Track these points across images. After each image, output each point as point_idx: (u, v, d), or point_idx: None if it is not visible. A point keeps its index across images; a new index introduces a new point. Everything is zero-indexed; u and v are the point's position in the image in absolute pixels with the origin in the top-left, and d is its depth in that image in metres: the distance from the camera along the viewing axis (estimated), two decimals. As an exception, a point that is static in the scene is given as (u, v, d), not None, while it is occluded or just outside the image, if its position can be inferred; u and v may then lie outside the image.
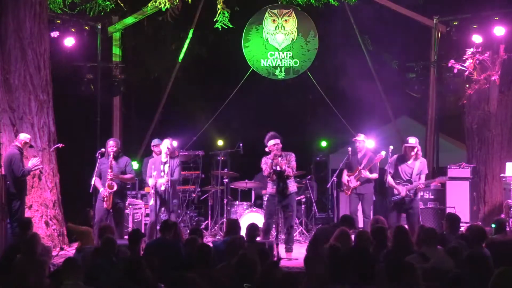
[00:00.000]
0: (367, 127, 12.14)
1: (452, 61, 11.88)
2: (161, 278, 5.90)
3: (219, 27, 12.38)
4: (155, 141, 11.25)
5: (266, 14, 13.17)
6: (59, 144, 10.67)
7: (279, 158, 9.82)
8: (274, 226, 10.23)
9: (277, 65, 13.19)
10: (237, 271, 5.64)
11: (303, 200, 12.27)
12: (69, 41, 11.86)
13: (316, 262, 6.14)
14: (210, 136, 14.18)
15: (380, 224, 7.82)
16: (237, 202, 12.23)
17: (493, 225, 7.87)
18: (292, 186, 10.04)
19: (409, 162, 9.92)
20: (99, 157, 10.16)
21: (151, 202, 10.09)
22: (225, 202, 11.75)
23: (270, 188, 10.07)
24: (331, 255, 6.04)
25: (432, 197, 11.61)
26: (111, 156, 10.01)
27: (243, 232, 8.20)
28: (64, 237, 10.81)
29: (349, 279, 5.72)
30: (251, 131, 12.56)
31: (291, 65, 13.20)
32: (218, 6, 12.24)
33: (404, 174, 9.92)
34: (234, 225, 8.14)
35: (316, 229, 9.78)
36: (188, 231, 9.57)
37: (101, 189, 9.96)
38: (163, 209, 10.17)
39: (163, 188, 9.97)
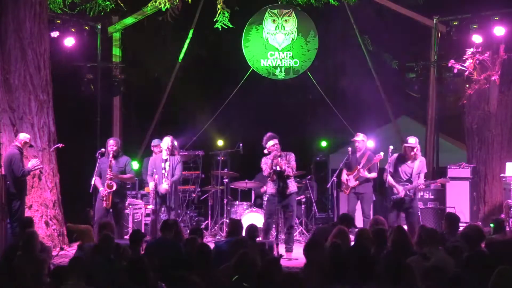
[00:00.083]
0: (367, 127, 12.16)
1: (452, 61, 11.89)
2: (161, 278, 5.90)
3: (219, 27, 12.38)
4: (155, 141, 11.27)
5: (266, 14, 13.18)
6: (59, 144, 10.67)
7: (279, 158, 9.83)
8: (274, 226, 10.24)
9: (277, 65, 13.19)
10: (237, 271, 5.64)
11: (303, 200, 12.27)
12: (69, 41, 11.87)
13: (316, 250, 6.14)
14: (210, 136, 14.17)
15: (380, 225, 7.81)
16: (237, 202, 12.23)
17: (491, 225, 7.87)
18: (292, 186, 10.04)
19: (408, 162, 9.94)
20: (99, 157, 10.18)
21: (150, 206, 10.16)
22: (225, 202, 11.75)
23: (270, 188, 10.07)
24: (333, 252, 6.03)
25: (432, 197, 11.62)
26: (111, 155, 10.03)
27: (243, 232, 8.20)
28: (64, 237, 10.81)
29: (349, 278, 5.71)
30: (251, 131, 12.53)
31: (291, 65, 13.20)
32: (218, 6, 12.24)
33: (403, 173, 9.94)
34: (236, 225, 8.09)
35: (315, 229, 9.78)
36: (188, 231, 9.57)
37: (101, 189, 9.98)
38: (163, 208, 10.18)
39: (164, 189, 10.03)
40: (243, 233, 8.13)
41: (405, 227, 8.56)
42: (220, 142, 14.16)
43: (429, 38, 12.67)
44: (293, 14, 13.15)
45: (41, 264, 6.55)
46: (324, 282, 5.67)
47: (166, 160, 10.10)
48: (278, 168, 9.78)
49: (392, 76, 14.15)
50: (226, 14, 12.28)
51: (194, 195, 12.35)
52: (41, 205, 10.44)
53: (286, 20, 13.14)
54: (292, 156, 10.00)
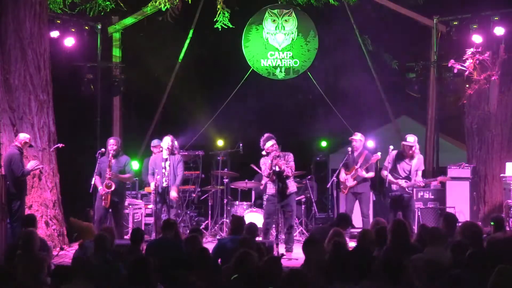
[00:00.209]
0: (367, 127, 12.16)
1: (452, 61, 11.89)
2: (162, 278, 5.89)
3: (219, 27, 12.39)
4: (154, 142, 11.27)
5: (266, 14, 13.18)
6: (59, 144, 10.67)
7: (278, 158, 9.83)
8: (274, 226, 10.24)
9: (277, 65, 13.20)
10: (237, 270, 5.63)
11: (303, 200, 12.27)
12: (69, 41, 11.88)
13: (314, 247, 6.13)
14: (210, 136, 14.17)
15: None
16: (237, 202, 12.23)
17: (492, 223, 7.87)
18: (292, 186, 10.05)
19: (407, 159, 10.04)
20: (99, 156, 10.19)
21: (151, 206, 10.16)
22: (225, 202, 11.76)
23: (270, 189, 10.07)
24: (334, 251, 6.02)
25: (432, 197, 11.61)
26: (110, 154, 10.03)
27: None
28: (64, 237, 10.80)
29: (350, 278, 5.70)
30: (251, 131, 12.54)
31: (291, 65, 13.21)
32: (218, 6, 12.25)
33: (402, 171, 10.06)
34: (239, 222, 8.04)
35: (313, 228, 9.78)
36: (188, 231, 9.57)
37: (100, 188, 9.98)
38: (163, 208, 10.18)
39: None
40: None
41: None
42: (220, 142, 14.14)
43: (429, 38, 12.68)
44: (293, 14, 13.15)
45: (41, 263, 6.53)
46: (323, 279, 5.65)
47: (166, 160, 10.11)
48: (277, 169, 9.78)
49: (392, 76, 14.15)
50: (226, 14, 12.29)
51: (194, 195, 12.35)
52: (41, 205, 10.44)
53: (286, 20, 13.15)
54: (290, 156, 10.01)
